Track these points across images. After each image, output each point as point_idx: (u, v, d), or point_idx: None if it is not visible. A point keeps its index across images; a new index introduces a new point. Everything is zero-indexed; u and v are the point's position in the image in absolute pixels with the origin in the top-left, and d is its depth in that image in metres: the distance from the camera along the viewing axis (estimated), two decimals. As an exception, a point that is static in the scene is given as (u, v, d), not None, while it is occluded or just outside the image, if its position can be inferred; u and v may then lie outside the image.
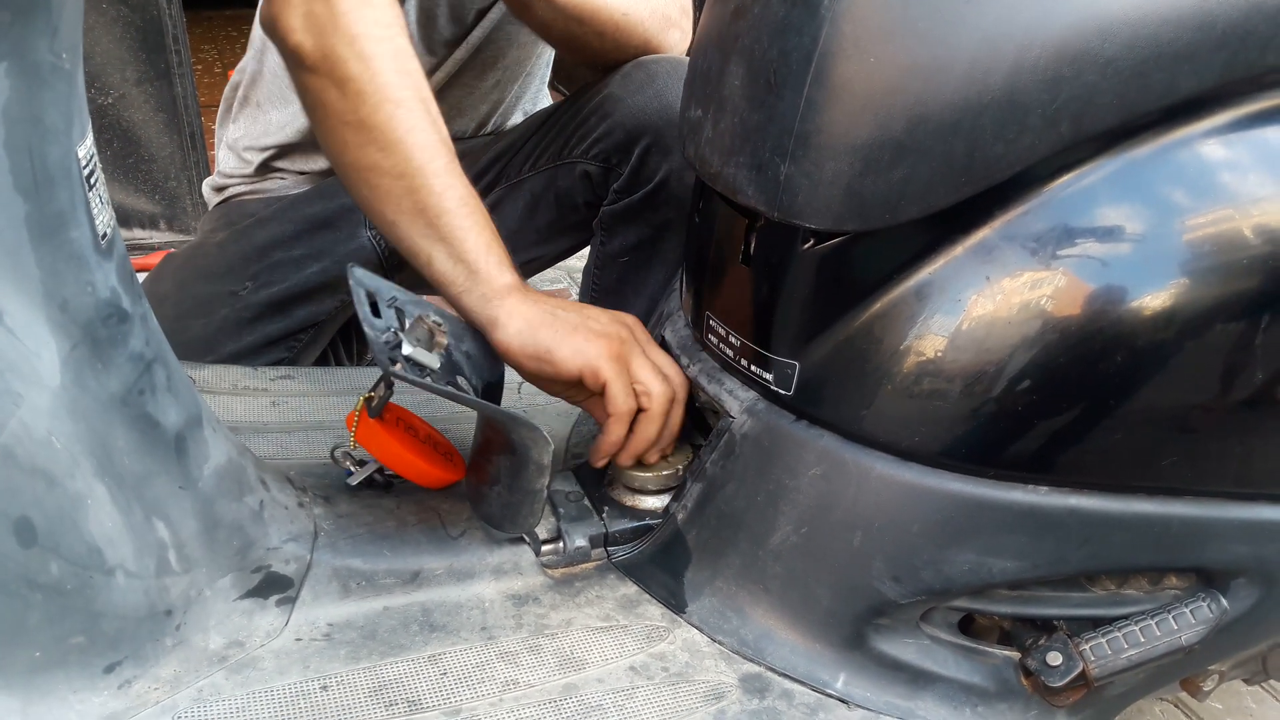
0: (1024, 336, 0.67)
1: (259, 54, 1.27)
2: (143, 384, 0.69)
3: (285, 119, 1.26)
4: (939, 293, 0.68)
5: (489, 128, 1.35)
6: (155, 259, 2.26)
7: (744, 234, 0.76)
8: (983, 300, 0.67)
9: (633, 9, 1.16)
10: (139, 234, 2.39)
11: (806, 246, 0.72)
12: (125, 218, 2.36)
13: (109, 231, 0.68)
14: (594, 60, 1.20)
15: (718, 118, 0.75)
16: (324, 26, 0.82)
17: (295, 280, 1.24)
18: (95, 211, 0.66)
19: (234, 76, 1.33)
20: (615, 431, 0.83)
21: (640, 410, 0.83)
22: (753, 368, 0.78)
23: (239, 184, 1.31)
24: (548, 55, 1.37)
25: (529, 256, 1.29)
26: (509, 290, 0.83)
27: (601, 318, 0.84)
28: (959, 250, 0.68)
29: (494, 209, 1.25)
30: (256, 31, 1.26)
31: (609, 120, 1.15)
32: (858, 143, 0.66)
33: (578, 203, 1.22)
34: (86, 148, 0.65)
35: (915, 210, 0.67)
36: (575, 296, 1.47)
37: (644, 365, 0.83)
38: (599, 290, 1.23)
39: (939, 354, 0.69)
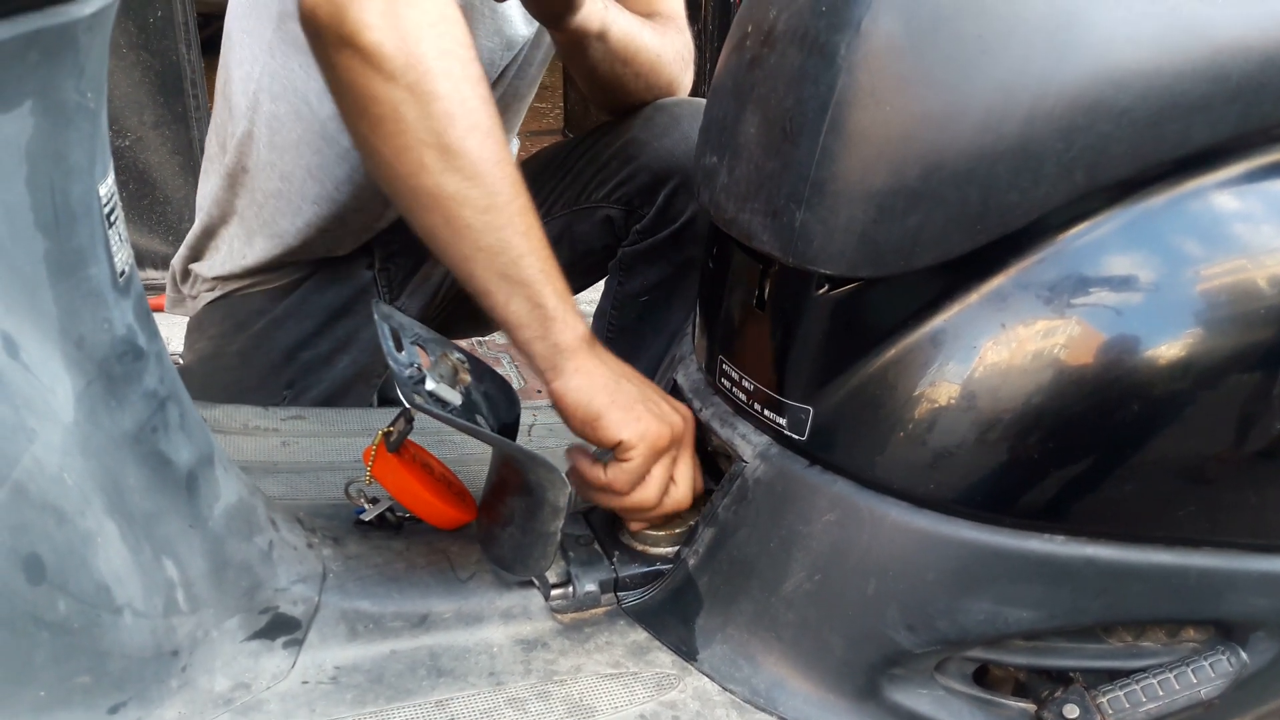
0: (1039, 385, 0.66)
1: (247, 138, 1.16)
2: (155, 421, 0.69)
3: (297, 224, 1.18)
4: (953, 340, 0.68)
5: None
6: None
7: (758, 279, 0.76)
8: (997, 348, 0.67)
9: (664, 50, 1.18)
10: (152, 275, 2.41)
11: (821, 292, 0.72)
12: (140, 258, 2.35)
13: (127, 269, 0.68)
14: (622, 102, 1.21)
15: (733, 164, 0.75)
16: (408, 31, 0.74)
17: (330, 379, 1.22)
18: (114, 249, 0.66)
19: (223, 154, 1.19)
20: (601, 486, 0.82)
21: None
22: (766, 412, 0.78)
23: (235, 280, 1.24)
24: (527, 107, 1.37)
25: None
26: (579, 344, 0.81)
27: (662, 403, 0.83)
28: (974, 298, 0.68)
29: None
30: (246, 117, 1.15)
31: (634, 164, 1.16)
32: (873, 190, 0.67)
33: (595, 247, 1.22)
34: (108, 186, 0.66)
35: (930, 257, 0.67)
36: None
37: (671, 469, 0.82)
38: (615, 330, 1.22)
39: (953, 401, 0.68)
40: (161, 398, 0.70)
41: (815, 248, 0.69)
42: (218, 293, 1.24)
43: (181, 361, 1.28)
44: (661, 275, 1.18)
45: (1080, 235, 0.66)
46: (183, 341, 1.30)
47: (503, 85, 1.23)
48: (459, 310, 1.31)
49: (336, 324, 1.22)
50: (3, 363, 0.59)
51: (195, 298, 1.26)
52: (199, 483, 0.72)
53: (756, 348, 0.79)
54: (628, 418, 0.79)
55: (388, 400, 1.32)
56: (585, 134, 1.26)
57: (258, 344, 1.22)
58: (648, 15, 1.19)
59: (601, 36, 1.11)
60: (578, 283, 1.29)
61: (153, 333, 0.71)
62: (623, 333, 1.22)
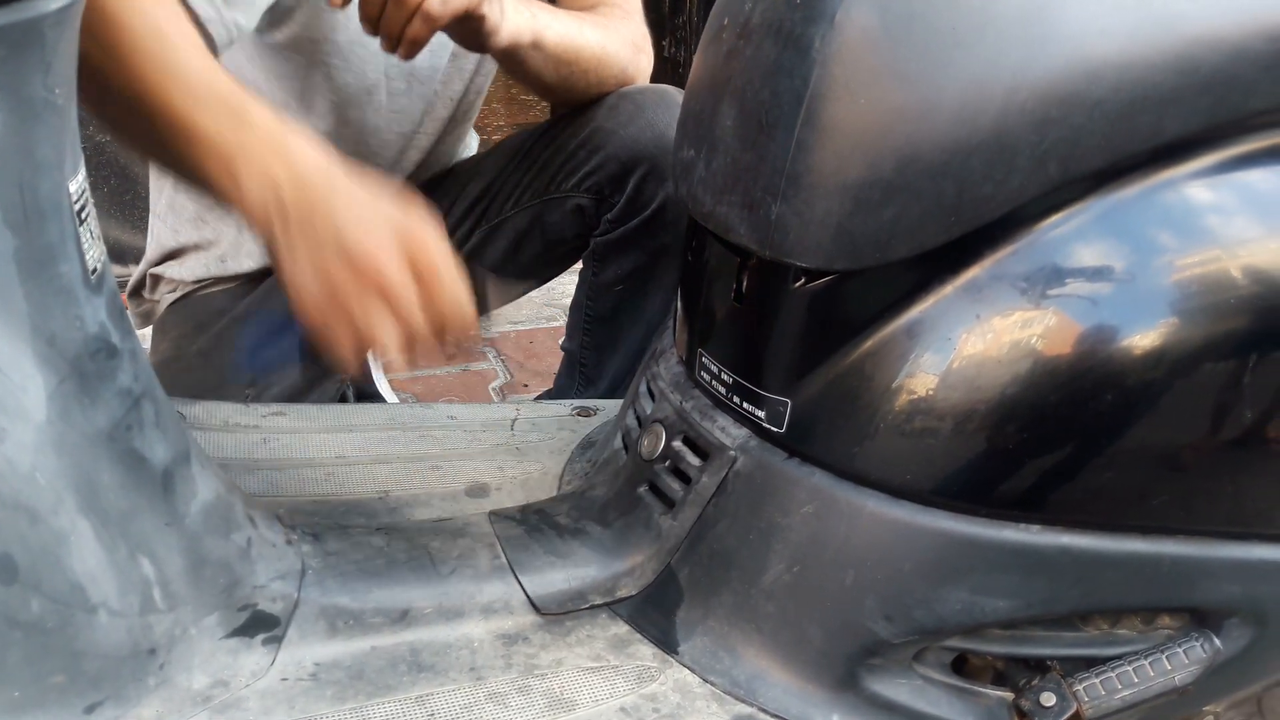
0: (1014, 375, 0.67)
1: None
2: (130, 419, 0.69)
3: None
4: (929, 331, 0.69)
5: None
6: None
7: (735, 272, 0.76)
8: (973, 339, 0.67)
9: (609, 42, 1.17)
10: (134, 270, 2.39)
11: (797, 285, 0.72)
12: (122, 254, 2.36)
13: (99, 266, 0.68)
14: (576, 99, 1.20)
15: (710, 158, 0.75)
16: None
17: (292, 377, 1.21)
18: (85, 246, 0.66)
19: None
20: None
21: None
22: (745, 405, 0.78)
23: (193, 285, 1.25)
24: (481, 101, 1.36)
25: (515, 291, 1.28)
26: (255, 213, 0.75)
27: (332, 240, 0.75)
28: (949, 289, 0.68)
29: (477, 250, 1.23)
30: None
31: (601, 153, 1.16)
32: (848, 183, 0.67)
33: (566, 235, 1.21)
34: (78, 182, 0.65)
35: (905, 249, 0.67)
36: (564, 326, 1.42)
37: (364, 308, 0.75)
38: (592, 320, 1.22)
39: (930, 392, 0.69)
40: (136, 395, 0.70)
41: (791, 240, 0.69)
42: (179, 294, 1.24)
43: None
44: (635, 263, 1.17)
45: (1054, 226, 0.67)
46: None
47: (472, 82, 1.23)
48: None
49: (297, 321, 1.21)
50: (-27, 362, 0.59)
51: (158, 301, 1.26)
52: (175, 480, 0.72)
53: (734, 341, 0.79)
54: (293, 283, 0.75)
55: (365, 396, 1.32)
56: (548, 122, 1.25)
57: (219, 344, 1.21)
58: (594, 3, 1.18)
59: (537, 45, 1.09)
60: (551, 271, 1.29)
61: (126, 330, 0.70)
62: (600, 322, 1.21)
